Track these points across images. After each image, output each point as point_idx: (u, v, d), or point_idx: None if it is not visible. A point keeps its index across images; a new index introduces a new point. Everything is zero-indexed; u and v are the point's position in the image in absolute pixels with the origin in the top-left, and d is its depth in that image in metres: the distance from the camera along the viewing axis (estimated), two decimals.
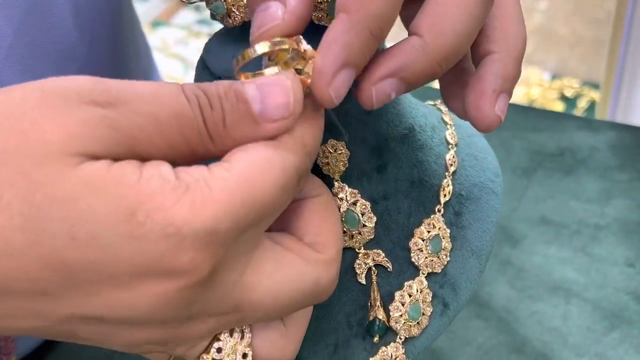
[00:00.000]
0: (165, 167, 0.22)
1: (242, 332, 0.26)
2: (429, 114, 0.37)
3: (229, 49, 0.33)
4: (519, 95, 1.69)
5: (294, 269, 0.25)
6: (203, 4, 0.35)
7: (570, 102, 1.70)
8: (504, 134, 0.58)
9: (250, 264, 0.24)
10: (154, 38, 1.70)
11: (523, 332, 0.43)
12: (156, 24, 1.77)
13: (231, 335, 0.26)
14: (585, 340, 0.43)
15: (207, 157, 0.24)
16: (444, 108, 0.39)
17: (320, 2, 0.30)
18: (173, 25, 1.78)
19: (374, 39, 0.24)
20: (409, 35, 0.26)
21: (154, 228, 0.21)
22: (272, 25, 0.25)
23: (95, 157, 0.21)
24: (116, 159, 0.22)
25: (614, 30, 1.09)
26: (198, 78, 0.34)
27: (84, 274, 0.21)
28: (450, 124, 0.37)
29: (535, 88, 1.72)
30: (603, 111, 1.22)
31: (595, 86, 1.71)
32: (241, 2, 0.30)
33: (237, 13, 0.31)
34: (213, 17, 0.34)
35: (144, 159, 0.22)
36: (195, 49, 1.64)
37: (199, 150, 0.24)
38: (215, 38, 0.34)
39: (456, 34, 0.25)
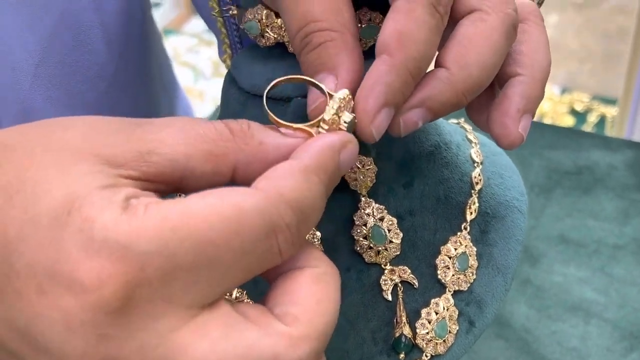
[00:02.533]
0: (126, 190, 0.22)
1: None
2: (454, 132, 0.38)
3: (257, 65, 0.33)
4: None
5: (245, 338, 0.21)
6: None
7: (580, 116, 1.71)
8: (521, 152, 0.58)
9: (192, 322, 0.21)
10: (165, 46, 1.71)
11: (543, 352, 0.44)
12: (167, 32, 1.78)
13: None
14: None
15: (230, 163, 0.24)
16: (467, 126, 0.40)
17: None
18: (184, 33, 1.79)
19: (413, 79, 0.26)
20: (435, 66, 0.27)
21: (75, 221, 0.21)
22: (323, 101, 0.26)
23: (103, 157, 0.22)
24: (125, 160, 0.23)
25: (634, 45, 1.10)
26: (225, 93, 0.35)
27: (12, 256, 0.21)
28: (475, 142, 0.38)
29: (545, 102, 1.72)
30: (620, 127, 1.22)
31: (605, 100, 1.72)
32: (276, 23, 0.31)
33: (271, 34, 0.31)
34: (244, 32, 0.34)
35: (151, 160, 0.23)
36: (206, 57, 1.65)
37: (218, 150, 0.24)
38: (244, 53, 0.35)
39: (481, 66, 0.27)
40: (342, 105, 0.26)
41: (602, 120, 1.68)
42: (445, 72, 0.27)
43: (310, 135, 0.26)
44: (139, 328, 0.21)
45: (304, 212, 0.23)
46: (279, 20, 0.31)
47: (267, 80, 0.32)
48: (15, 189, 0.22)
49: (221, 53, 0.40)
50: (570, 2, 1.96)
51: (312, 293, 0.23)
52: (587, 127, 1.66)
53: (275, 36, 0.31)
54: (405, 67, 0.25)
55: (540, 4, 0.33)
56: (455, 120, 0.41)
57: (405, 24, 0.25)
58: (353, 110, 0.26)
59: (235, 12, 0.35)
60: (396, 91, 0.26)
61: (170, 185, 0.23)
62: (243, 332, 0.21)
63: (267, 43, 0.32)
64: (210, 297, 0.22)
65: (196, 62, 1.64)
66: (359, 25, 0.30)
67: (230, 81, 0.34)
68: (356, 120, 0.26)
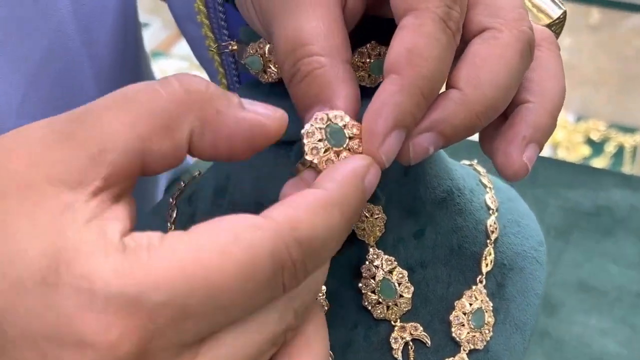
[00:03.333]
0: (116, 227, 0.21)
1: None
2: (467, 176, 0.38)
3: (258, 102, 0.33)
4: None
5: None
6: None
7: (597, 146, 1.71)
8: (536, 191, 0.59)
9: (201, 349, 0.22)
10: (153, 69, 1.72)
11: None
12: (155, 54, 1.79)
13: None
14: None
15: (186, 132, 0.23)
16: (481, 169, 0.40)
17: (363, 63, 0.31)
18: (174, 55, 1.80)
19: (425, 100, 0.26)
20: (447, 88, 0.27)
21: (69, 280, 0.20)
22: None
23: (59, 181, 0.22)
24: (81, 174, 0.22)
25: None
26: None
27: (1, 327, 0.21)
28: (490, 187, 0.38)
29: (559, 131, 1.73)
30: None
31: (623, 129, 1.72)
32: None
33: (274, 69, 0.32)
34: (244, 68, 0.34)
35: (105, 160, 0.22)
36: None
37: (172, 121, 0.23)
38: (242, 91, 0.35)
39: (496, 86, 0.26)
40: (314, 132, 0.26)
41: (620, 150, 1.69)
42: (457, 93, 0.26)
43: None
44: None
45: (315, 249, 0.23)
46: None
47: None
48: None
49: None
50: (585, 24, 1.99)
51: None
52: (605, 158, 1.66)
53: (279, 72, 0.32)
54: (416, 87, 0.25)
55: (557, 33, 0.33)
56: (467, 162, 0.42)
57: (414, 41, 0.25)
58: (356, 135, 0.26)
59: (235, 47, 0.36)
60: (407, 112, 0.25)
61: (133, 177, 0.23)
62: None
63: (270, 79, 0.32)
64: (217, 331, 0.22)
65: None
66: (368, 60, 0.31)
67: None
68: (344, 124, 0.26)
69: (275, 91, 0.33)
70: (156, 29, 1.84)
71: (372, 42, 0.31)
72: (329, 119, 0.26)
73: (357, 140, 0.26)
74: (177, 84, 0.23)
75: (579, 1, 1.65)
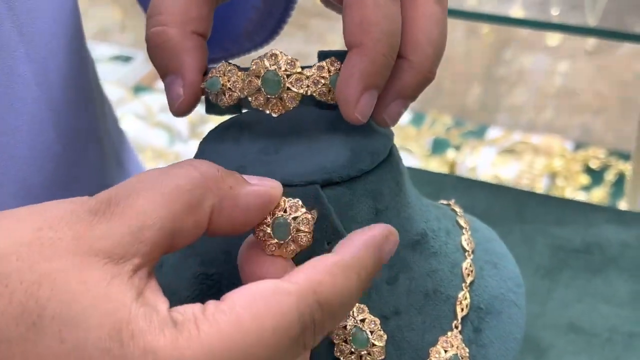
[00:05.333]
0: (161, 302, 0.24)
1: None
2: (442, 217, 0.38)
3: (224, 150, 0.34)
4: (539, 168, 1.71)
5: None
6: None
7: (596, 175, 1.72)
8: (524, 228, 0.59)
9: None
10: (136, 104, 1.72)
11: None
12: (138, 88, 1.80)
13: None
14: None
15: (206, 212, 0.26)
16: (458, 209, 0.41)
17: (322, 77, 0.31)
18: (157, 90, 1.81)
19: (386, 58, 0.30)
20: (397, 57, 0.32)
21: (135, 352, 0.22)
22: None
23: (103, 253, 0.23)
24: (123, 249, 0.24)
25: None
26: None
27: None
28: (466, 228, 0.39)
29: (557, 159, 1.74)
30: (634, 193, 1.23)
31: (624, 156, 1.73)
32: (239, 77, 0.32)
33: (233, 90, 0.32)
34: (209, 109, 0.35)
35: (144, 237, 0.24)
36: (182, 118, 1.66)
37: (194, 199, 0.25)
38: (210, 137, 0.36)
39: (433, 44, 0.32)
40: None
41: (621, 178, 1.69)
42: (406, 62, 0.32)
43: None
44: None
45: (333, 311, 0.25)
46: (241, 73, 0.32)
47: (237, 168, 0.33)
48: (34, 313, 0.22)
49: None
50: (582, 49, 2.00)
51: None
52: (605, 187, 1.67)
53: (238, 93, 0.32)
54: (375, 50, 0.30)
55: None
56: (445, 202, 0.42)
57: (361, 13, 0.30)
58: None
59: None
60: (373, 74, 0.30)
61: (162, 253, 0.25)
62: None
63: (229, 101, 0.33)
64: None
65: (171, 122, 1.64)
66: (327, 74, 0.32)
67: None
68: (294, 216, 0.28)
69: (244, 136, 0.34)
70: (139, 63, 1.85)
71: (332, 57, 0.32)
72: (284, 209, 0.29)
73: (304, 234, 0.29)
74: (192, 168, 0.26)
75: (574, 31, 1.66)
